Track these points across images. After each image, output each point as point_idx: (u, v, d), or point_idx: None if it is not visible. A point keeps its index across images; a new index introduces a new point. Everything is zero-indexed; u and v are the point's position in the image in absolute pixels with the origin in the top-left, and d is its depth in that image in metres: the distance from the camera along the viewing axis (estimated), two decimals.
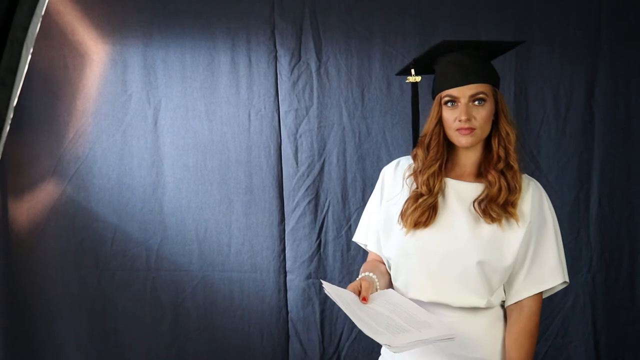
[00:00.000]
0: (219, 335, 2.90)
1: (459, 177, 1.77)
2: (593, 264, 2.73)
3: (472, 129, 1.68)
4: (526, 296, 1.72)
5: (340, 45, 2.79)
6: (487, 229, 1.69)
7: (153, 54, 2.86)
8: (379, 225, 1.83)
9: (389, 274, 1.83)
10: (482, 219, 1.69)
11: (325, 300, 2.81)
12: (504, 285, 1.74)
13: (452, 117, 1.70)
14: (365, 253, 1.95)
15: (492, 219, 1.68)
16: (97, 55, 2.86)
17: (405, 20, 2.75)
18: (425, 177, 1.73)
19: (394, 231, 1.78)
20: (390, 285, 1.82)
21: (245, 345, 2.89)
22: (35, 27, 0.92)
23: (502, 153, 1.72)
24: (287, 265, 2.86)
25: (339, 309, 1.57)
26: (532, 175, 1.82)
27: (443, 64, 1.74)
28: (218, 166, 2.87)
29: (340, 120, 2.81)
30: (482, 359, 1.73)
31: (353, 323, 1.54)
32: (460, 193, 1.74)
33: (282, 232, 2.85)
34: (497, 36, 2.62)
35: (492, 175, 1.71)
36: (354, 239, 1.96)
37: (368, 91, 2.79)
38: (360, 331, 1.52)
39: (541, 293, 1.74)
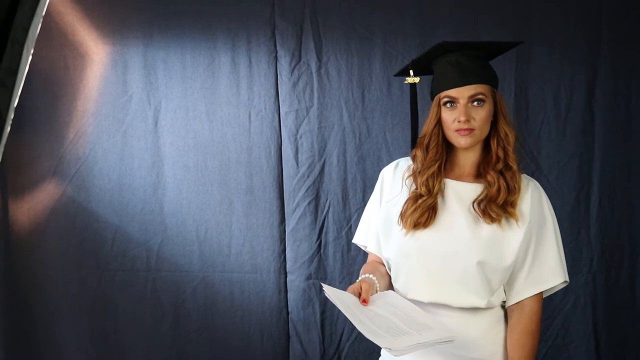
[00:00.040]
0: (220, 336, 2.90)
1: (458, 178, 1.77)
2: (593, 264, 2.73)
3: (471, 130, 1.68)
4: (527, 296, 1.72)
5: (340, 45, 2.79)
6: (487, 229, 1.69)
7: (153, 55, 2.86)
8: (379, 226, 1.83)
9: (389, 275, 1.83)
10: (481, 219, 1.69)
11: (325, 301, 2.80)
12: (504, 285, 1.74)
13: (451, 118, 1.70)
14: (365, 254, 1.95)
15: (492, 219, 1.68)
16: (97, 55, 2.87)
17: (405, 21, 2.75)
18: (424, 177, 1.74)
19: (393, 232, 1.78)
20: (390, 286, 1.82)
21: (246, 345, 2.89)
22: (36, 27, 0.92)
23: (501, 153, 1.73)
24: (287, 266, 2.86)
25: (340, 310, 1.56)
26: (532, 175, 1.83)
27: (442, 65, 1.74)
28: (218, 167, 2.87)
29: (341, 121, 2.81)
30: (482, 359, 1.73)
31: (354, 325, 1.54)
32: (460, 193, 1.74)
33: (283, 232, 2.85)
34: (497, 37, 2.62)
35: (491, 176, 1.71)
36: (353, 241, 1.96)
37: (368, 92, 2.79)
38: (361, 332, 1.52)
39: (542, 293, 1.75)
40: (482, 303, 1.70)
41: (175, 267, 2.90)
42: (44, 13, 0.94)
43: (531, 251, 1.72)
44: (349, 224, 2.80)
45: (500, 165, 1.72)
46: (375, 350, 1.86)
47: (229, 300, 2.89)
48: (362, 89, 2.79)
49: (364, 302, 1.62)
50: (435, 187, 1.73)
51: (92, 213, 2.91)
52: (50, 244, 2.92)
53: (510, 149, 1.73)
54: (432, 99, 1.76)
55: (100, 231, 2.91)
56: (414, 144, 1.82)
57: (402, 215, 1.75)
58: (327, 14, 2.78)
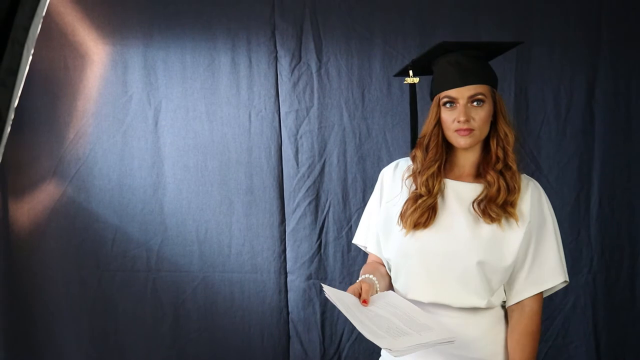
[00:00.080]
0: (220, 336, 2.90)
1: (457, 178, 1.77)
2: (593, 264, 2.73)
3: (470, 130, 1.68)
4: (527, 296, 1.73)
5: (340, 46, 2.79)
6: (487, 229, 1.69)
7: (153, 55, 2.86)
8: (379, 226, 1.83)
9: (389, 276, 1.83)
10: (481, 219, 1.69)
11: (326, 301, 2.80)
12: (504, 285, 1.74)
13: (450, 118, 1.70)
14: (365, 254, 1.95)
15: (492, 219, 1.68)
16: (97, 56, 2.87)
17: (405, 21, 2.75)
18: (424, 178, 1.74)
19: (393, 232, 1.78)
20: (390, 287, 1.82)
21: (246, 346, 2.89)
22: (36, 27, 0.92)
23: (500, 154, 1.73)
24: (287, 266, 2.86)
25: (340, 310, 1.56)
26: (532, 175, 1.83)
27: (441, 65, 1.74)
28: (218, 167, 2.87)
29: (341, 121, 2.81)
30: (482, 359, 1.73)
31: (354, 325, 1.54)
32: (460, 194, 1.74)
33: (283, 233, 2.85)
34: (497, 37, 2.62)
35: (491, 176, 1.71)
36: (353, 241, 1.96)
37: (368, 92, 2.79)
38: (361, 333, 1.52)
39: (542, 293, 1.75)
40: (482, 303, 1.70)
41: (175, 267, 2.90)
42: (44, 13, 0.94)
43: (531, 251, 1.72)
44: (349, 224, 2.80)
45: (499, 166, 1.72)
46: (376, 350, 1.86)
47: (229, 301, 2.89)
48: (362, 89, 2.79)
49: (364, 302, 1.62)
50: (435, 187, 1.73)
51: (92, 213, 2.91)
52: (50, 244, 2.92)
53: (509, 149, 1.73)
54: (432, 99, 1.76)
55: (101, 231, 2.91)
56: (413, 144, 1.82)
57: (402, 215, 1.75)
58: (327, 14, 2.78)
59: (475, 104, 1.69)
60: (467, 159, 1.76)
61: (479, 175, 1.76)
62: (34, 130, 2.89)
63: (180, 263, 2.89)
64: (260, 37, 2.81)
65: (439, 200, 1.74)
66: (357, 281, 1.71)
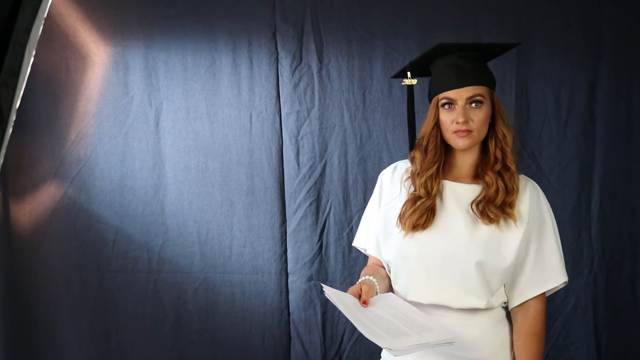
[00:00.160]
0: (221, 337, 2.90)
1: (456, 179, 1.77)
2: (594, 265, 2.73)
3: (469, 131, 1.69)
4: (530, 297, 1.73)
5: (341, 47, 2.79)
6: (486, 230, 1.69)
7: (154, 56, 2.86)
8: (378, 228, 1.83)
9: (389, 278, 1.83)
10: (480, 220, 1.69)
11: (326, 302, 2.80)
12: (505, 287, 1.74)
13: (449, 120, 1.70)
14: (366, 256, 1.95)
15: (490, 220, 1.68)
16: (98, 57, 2.87)
17: (406, 22, 2.75)
18: (423, 179, 1.74)
19: (392, 234, 1.78)
20: (390, 289, 1.82)
21: (247, 347, 2.89)
22: (38, 29, 0.93)
23: (499, 155, 1.73)
24: (288, 267, 2.86)
25: (340, 311, 1.57)
26: (533, 177, 1.83)
27: (439, 67, 1.74)
28: (219, 168, 2.87)
29: (342, 122, 2.81)
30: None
31: (354, 325, 1.54)
32: (458, 195, 1.74)
33: (284, 233, 2.85)
34: (497, 38, 2.62)
35: (490, 177, 1.71)
36: (353, 244, 1.96)
37: (369, 93, 2.80)
38: (361, 333, 1.53)
39: (545, 293, 1.75)
40: (481, 304, 1.70)
41: (176, 268, 2.90)
42: (45, 15, 0.94)
43: (532, 252, 1.72)
44: (350, 225, 2.80)
45: (498, 166, 1.72)
46: (376, 351, 1.86)
47: (230, 302, 2.89)
48: (363, 90, 2.79)
49: (364, 303, 1.62)
50: (434, 189, 1.73)
51: (93, 214, 2.91)
52: (51, 245, 2.93)
53: (508, 149, 1.73)
54: (430, 100, 1.77)
55: (102, 232, 2.91)
56: (411, 145, 1.82)
57: (401, 217, 1.75)
58: (328, 16, 2.79)
59: (473, 105, 1.69)
60: (466, 160, 1.76)
61: (477, 176, 1.76)
62: (35, 131, 2.89)
63: (181, 264, 2.89)
64: (261, 38, 2.81)
65: (438, 201, 1.74)
66: (357, 282, 1.72)
